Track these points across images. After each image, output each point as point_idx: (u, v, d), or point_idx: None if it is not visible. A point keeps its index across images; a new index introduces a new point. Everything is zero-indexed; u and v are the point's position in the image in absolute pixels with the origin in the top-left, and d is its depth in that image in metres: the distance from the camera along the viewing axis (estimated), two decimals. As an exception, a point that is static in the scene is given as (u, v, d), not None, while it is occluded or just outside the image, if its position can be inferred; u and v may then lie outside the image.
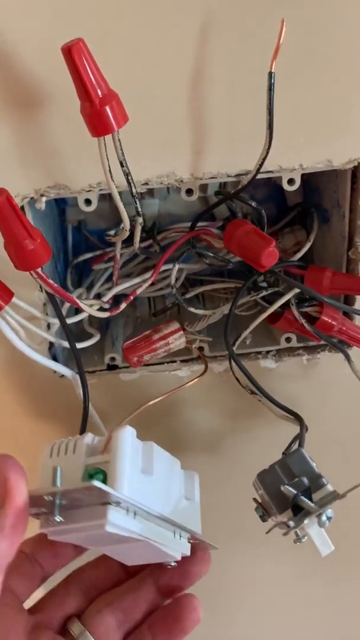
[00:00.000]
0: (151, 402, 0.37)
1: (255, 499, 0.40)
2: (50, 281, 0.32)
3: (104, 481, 0.32)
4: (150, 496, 0.34)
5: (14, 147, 0.36)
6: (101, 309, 0.38)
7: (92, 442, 0.34)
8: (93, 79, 0.29)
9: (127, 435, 0.34)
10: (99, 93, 0.29)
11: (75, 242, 0.49)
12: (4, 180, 0.37)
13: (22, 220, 0.29)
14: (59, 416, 0.46)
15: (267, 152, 0.34)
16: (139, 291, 0.39)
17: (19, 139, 0.36)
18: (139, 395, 0.46)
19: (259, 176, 0.38)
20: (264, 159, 0.34)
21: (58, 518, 0.30)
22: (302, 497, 0.32)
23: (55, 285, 0.33)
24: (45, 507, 0.31)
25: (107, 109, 0.30)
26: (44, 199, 0.38)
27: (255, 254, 0.34)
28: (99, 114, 0.30)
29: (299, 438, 0.38)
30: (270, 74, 0.32)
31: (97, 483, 0.29)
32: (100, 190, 0.38)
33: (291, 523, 0.32)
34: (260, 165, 0.34)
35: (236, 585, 0.54)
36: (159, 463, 0.37)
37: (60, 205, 0.48)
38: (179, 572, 0.40)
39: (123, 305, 0.39)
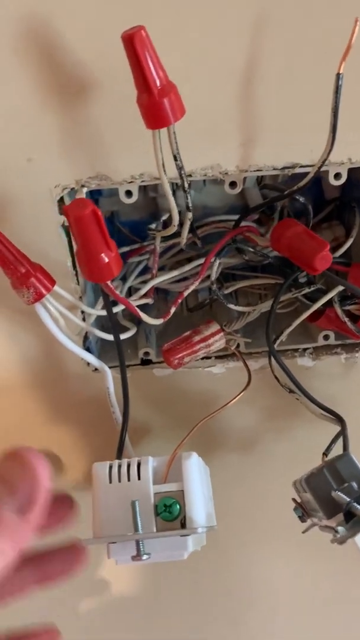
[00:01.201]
0: (205, 419, 0.38)
1: (294, 499, 0.39)
2: (118, 293, 0.31)
3: (180, 511, 0.32)
4: (205, 512, 0.34)
5: (57, 136, 0.35)
6: (153, 314, 0.37)
7: (154, 466, 0.34)
8: (153, 70, 0.28)
9: (196, 464, 0.34)
10: (158, 84, 0.28)
11: (107, 233, 0.48)
12: (45, 169, 0.36)
13: (104, 234, 0.28)
14: (85, 413, 0.45)
15: (329, 154, 0.33)
16: (186, 293, 0.38)
17: (63, 127, 0.35)
18: (173, 392, 0.45)
19: (301, 170, 0.38)
20: (324, 161, 0.33)
21: (145, 557, 0.31)
22: (357, 505, 0.31)
23: (122, 297, 0.32)
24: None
25: (166, 101, 0.29)
26: (84, 189, 0.37)
27: (309, 257, 0.33)
28: (157, 105, 0.29)
29: (343, 440, 0.37)
30: (338, 75, 0.30)
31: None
32: (142, 182, 0.37)
33: (341, 529, 0.32)
34: (320, 167, 0.33)
35: (266, 583, 0.54)
36: (205, 477, 0.36)
37: (94, 196, 0.47)
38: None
39: (173, 309, 0.38)
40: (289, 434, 0.47)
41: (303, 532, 0.40)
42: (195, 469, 0.34)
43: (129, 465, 0.34)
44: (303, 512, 0.39)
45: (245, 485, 0.49)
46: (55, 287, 0.35)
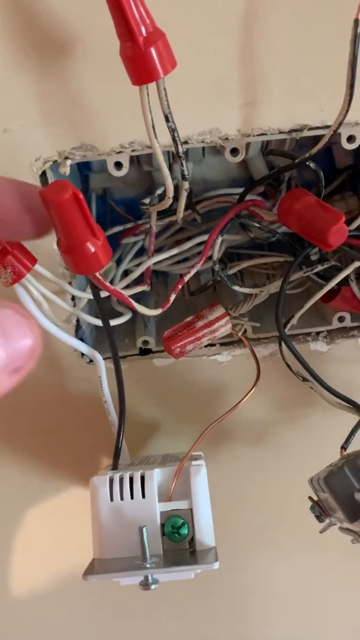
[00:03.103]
0: (213, 424, 0.36)
1: (311, 498, 0.36)
2: (108, 284, 0.28)
3: (187, 531, 0.31)
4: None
5: (35, 102, 0.31)
6: (152, 299, 0.33)
7: (158, 480, 0.32)
8: (137, 14, 0.24)
9: (205, 479, 0.32)
10: (143, 31, 0.24)
11: (99, 212, 0.44)
12: (24, 141, 0.32)
13: (88, 219, 0.24)
14: (80, 408, 0.42)
15: (346, 115, 0.29)
16: (187, 277, 0.34)
17: (40, 91, 0.31)
18: (175, 383, 0.41)
19: (310, 133, 0.34)
20: (340, 123, 0.29)
21: (154, 586, 0.29)
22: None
23: (113, 288, 0.28)
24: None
25: (153, 50, 0.25)
26: (68, 162, 0.33)
27: (321, 232, 0.30)
28: (143, 56, 0.25)
29: (364, 433, 0.34)
30: (356, 21, 0.26)
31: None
32: (133, 151, 0.33)
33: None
34: (336, 129, 0.29)
35: (279, 581, 0.51)
36: None
37: (83, 172, 0.43)
38: None
39: (172, 297, 0.34)
40: (303, 425, 0.43)
41: (320, 532, 0.37)
42: (204, 484, 0.31)
43: (131, 480, 0.31)
44: (321, 511, 0.35)
45: (257, 479, 0.45)
46: (39, 269, 0.31)
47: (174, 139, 0.28)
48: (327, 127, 0.33)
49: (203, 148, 0.42)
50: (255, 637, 0.52)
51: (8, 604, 0.49)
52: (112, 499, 0.30)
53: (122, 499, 0.30)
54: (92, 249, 0.25)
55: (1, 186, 0.24)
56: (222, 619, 0.51)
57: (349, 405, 0.36)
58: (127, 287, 0.37)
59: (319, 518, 0.36)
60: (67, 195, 0.23)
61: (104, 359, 0.36)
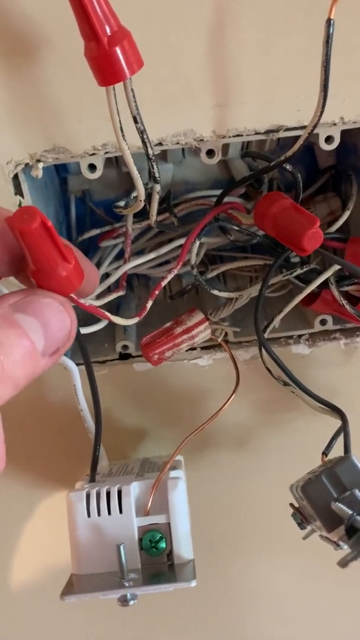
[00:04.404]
0: (192, 434, 0.35)
1: (292, 505, 0.35)
2: (82, 302, 0.27)
3: (166, 544, 0.31)
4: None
5: (4, 104, 0.30)
6: (133, 304, 0.32)
7: (135, 493, 0.31)
8: (100, 12, 0.23)
9: (183, 493, 0.32)
10: (108, 30, 0.24)
11: (79, 215, 0.44)
12: (-6, 144, 0.31)
13: (58, 244, 0.23)
14: (60, 416, 0.41)
15: (320, 116, 0.28)
16: (164, 282, 0.34)
17: (10, 94, 0.30)
18: (155, 388, 0.41)
19: (286, 134, 0.33)
20: (315, 125, 0.28)
21: (133, 602, 0.29)
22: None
23: (88, 304, 0.28)
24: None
25: (118, 50, 0.24)
26: (40, 165, 0.32)
27: (296, 236, 0.29)
28: (108, 56, 0.24)
29: (344, 438, 0.33)
30: (328, 21, 0.26)
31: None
32: (106, 153, 0.32)
33: (344, 545, 0.28)
34: (311, 132, 0.29)
35: (265, 588, 0.50)
36: None
37: (61, 174, 0.42)
38: None
39: (149, 304, 0.33)
40: (286, 429, 0.42)
41: (303, 539, 0.37)
42: (182, 498, 0.31)
43: (108, 495, 0.31)
44: (302, 518, 0.35)
45: (240, 485, 0.45)
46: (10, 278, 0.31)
47: (143, 141, 0.27)
48: (304, 127, 0.32)
49: (183, 149, 0.41)
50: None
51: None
52: (89, 515, 0.30)
53: (99, 514, 0.30)
54: (64, 273, 0.25)
55: None
56: (205, 625, 0.50)
57: (330, 409, 0.36)
58: (103, 293, 0.37)
59: (301, 525, 0.35)
60: (35, 224, 0.22)
61: (79, 364, 0.35)
